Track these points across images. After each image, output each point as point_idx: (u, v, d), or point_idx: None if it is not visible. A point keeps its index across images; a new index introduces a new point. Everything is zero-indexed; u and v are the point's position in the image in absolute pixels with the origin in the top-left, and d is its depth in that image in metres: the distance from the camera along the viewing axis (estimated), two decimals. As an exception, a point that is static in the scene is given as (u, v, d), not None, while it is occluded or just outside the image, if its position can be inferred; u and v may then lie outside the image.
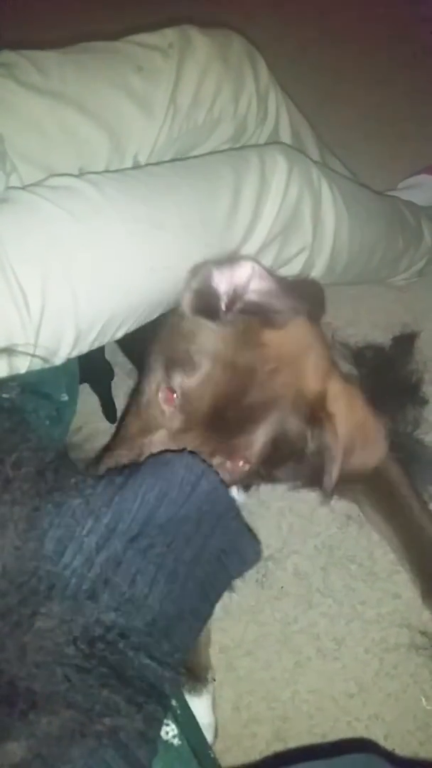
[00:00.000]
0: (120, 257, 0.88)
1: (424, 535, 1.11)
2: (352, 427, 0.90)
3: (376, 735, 0.99)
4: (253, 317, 0.87)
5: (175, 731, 0.65)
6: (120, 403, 1.39)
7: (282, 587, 1.14)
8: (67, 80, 1.03)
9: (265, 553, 1.18)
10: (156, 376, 0.88)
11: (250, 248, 1.02)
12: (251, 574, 1.14)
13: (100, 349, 1.24)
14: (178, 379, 0.84)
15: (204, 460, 0.67)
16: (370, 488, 1.18)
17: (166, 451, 0.66)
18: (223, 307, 0.87)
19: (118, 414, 1.37)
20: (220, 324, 0.86)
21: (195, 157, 1.06)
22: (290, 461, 0.93)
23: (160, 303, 0.97)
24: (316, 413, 0.88)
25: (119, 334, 0.95)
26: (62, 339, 0.86)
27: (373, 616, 1.10)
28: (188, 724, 0.83)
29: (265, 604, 1.12)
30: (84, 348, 0.91)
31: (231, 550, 0.67)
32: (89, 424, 1.33)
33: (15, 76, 0.99)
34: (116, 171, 0.96)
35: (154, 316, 0.98)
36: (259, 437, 0.86)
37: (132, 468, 0.63)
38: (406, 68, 2.22)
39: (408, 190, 1.69)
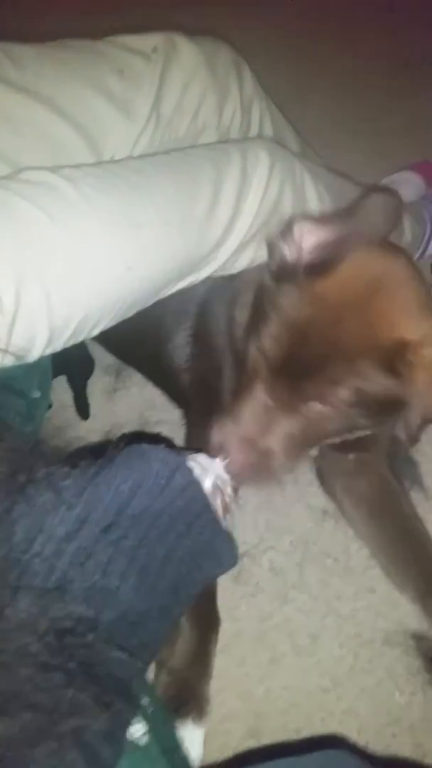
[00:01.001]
0: (95, 257, 0.87)
1: (421, 541, 1.12)
2: None
3: (349, 729, 0.99)
4: (310, 274, 0.90)
5: (144, 730, 0.64)
6: (95, 399, 1.38)
7: (257, 583, 1.14)
8: (43, 77, 1.00)
9: (242, 549, 1.17)
10: (251, 343, 0.94)
11: (229, 244, 1.01)
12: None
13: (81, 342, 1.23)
14: (261, 340, 0.91)
15: (180, 455, 0.66)
16: (352, 484, 1.18)
17: (142, 443, 0.64)
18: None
19: (91, 411, 1.36)
20: (289, 286, 0.91)
21: (176, 150, 1.04)
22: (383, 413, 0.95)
23: (138, 301, 0.96)
24: (392, 363, 0.87)
25: (95, 332, 0.93)
26: (35, 338, 0.85)
27: (348, 611, 1.10)
28: (159, 721, 0.82)
29: (240, 600, 1.12)
30: (58, 346, 0.89)
31: (207, 552, 0.66)
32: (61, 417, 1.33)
33: None
34: (94, 165, 0.94)
35: (132, 313, 0.97)
36: (332, 381, 0.87)
37: (106, 458, 0.62)
38: (393, 65, 2.23)
39: (392, 186, 1.70)
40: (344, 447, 1.14)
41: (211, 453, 0.88)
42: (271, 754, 0.90)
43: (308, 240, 0.92)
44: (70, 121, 1.00)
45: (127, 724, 0.61)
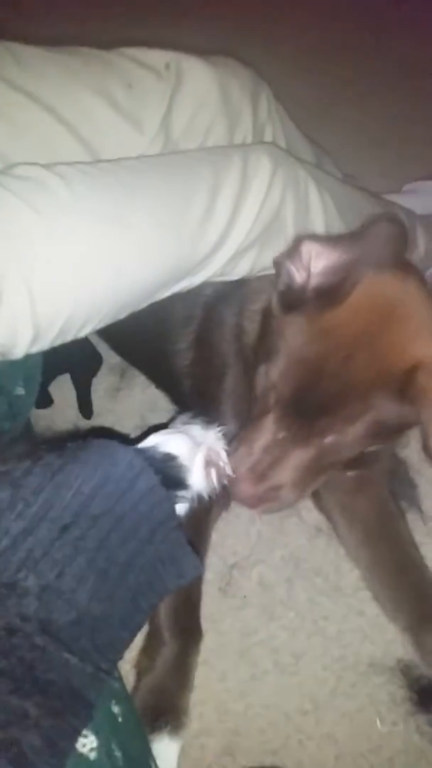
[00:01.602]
0: (83, 258, 0.85)
1: (417, 561, 1.10)
2: None
3: (327, 755, 0.96)
4: (320, 300, 0.89)
5: (94, 744, 0.62)
6: (98, 399, 1.37)
7: (245, 597, 1.12)
8: (47, 80, 0.98)
9: (231, 560, 1.15)
10: (261, 370, 0.95)
11: (226, 250, 0.99)
12: (214, 581, 1.12)
13: (85, 338, 1.22)
14: (269, 372, 0.92)
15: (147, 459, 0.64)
16: (348, 503, 1.15)
17: (109, 440, 0.63)
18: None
19: (95, 411, 1.35)
20: (297, 316, 0.91)
21: (175, 152, 1.02)
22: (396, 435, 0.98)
23: (129, 303, 0.94)
24: (405, 390, 0.86)
25: (84, 333, 0.91)
26: (19, 337, 0.83)
27: (334, 633, 1.07)
28: (129, 732, 0.80)
29: (226, 613, 1.10)
30: (45, 345, 0.87)
31: (169, 561, 0.65)
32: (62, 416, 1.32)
33: None
34: (88, 163, 0.92)
35: (122, 315, 0.95)
36: (347, 418, 0.88)
37: (70, 455, 0.61)
38: (417, 73, 2.21)
39: (409, 195, 1.67)
40: (344, 463, 1.12)
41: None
42: None
43: (317, 262, 0.90)
44: (69, 127, 0.98)
45: (75, 734, 0.59)
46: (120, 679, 0.94)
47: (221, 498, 1.12)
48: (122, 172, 0.91)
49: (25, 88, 0.96)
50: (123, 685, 0.94)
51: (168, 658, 0.98)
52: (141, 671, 0.99)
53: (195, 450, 0.81)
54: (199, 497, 0.82)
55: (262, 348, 0.98)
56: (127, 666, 1.01)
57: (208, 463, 0.82)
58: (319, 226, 1.09)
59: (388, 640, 1.06)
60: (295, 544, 1.17)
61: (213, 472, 0.83)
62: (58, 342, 0.88)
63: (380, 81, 2.21)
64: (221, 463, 0.84)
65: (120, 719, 0.82)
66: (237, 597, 1.12)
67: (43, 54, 1.02)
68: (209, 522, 1.12)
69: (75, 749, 0.59)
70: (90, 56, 1.06)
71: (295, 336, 0.91)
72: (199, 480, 0.81)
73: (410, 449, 1.26)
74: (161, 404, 1.36)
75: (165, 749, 0.92)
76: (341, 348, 0.87)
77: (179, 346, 1.19)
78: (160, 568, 0.63)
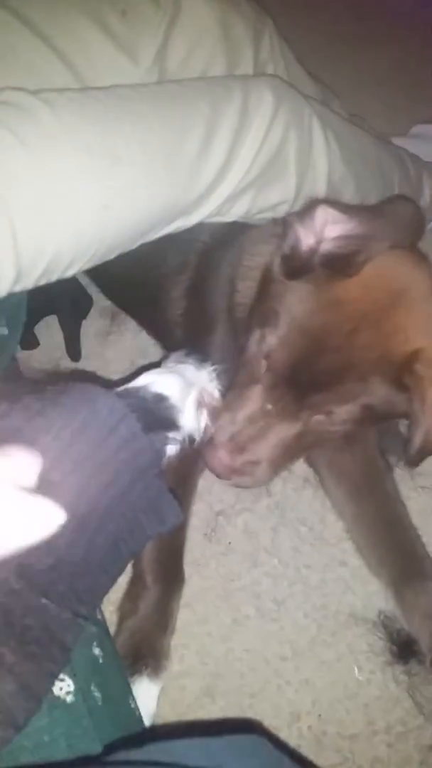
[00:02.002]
0: (68, 192, 0.81)
1: (403, 519, 1.09)
2: None
3: (304, 700, 0.98)
4: (329, 269, 0.85)
5: (71, 687, 0.62)
6: (87, 342, 1.34)
7: (230, 543, 1.12)
8: (36, 4, 0.93)
9: (217, 507, 1.15)
10: (254, 335, 0.90)
11: (222, 190, 0.94)
12: (200, 528, 1.12)
13: (75, 279, 1.19)
14: (266, 339, 0.87)
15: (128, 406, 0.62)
16: (336, 459, 1.15)
17: (90, 385, 0.61)
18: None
19: (84, 354, 1.33)
20: (302, 283, 0.87)
21: (172, 81, 0.97)
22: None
23: (118, 243, 0.90)
24: (402, 376, 0.83)
25: (69, 273, 0.88)
26: (1, 274, 0.80)
27: (316, 581, 1.08)
28: (109, 674, 0.81)
29: (210, 559, 1.10)
30: (28, 284, 0.84)
31: (150, 509, 0.63)
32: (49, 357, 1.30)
33: None
34: (78, 90, 0.87)
35: (112, 256, 0.92)
36: (341, 397, 0.85)
37: (49, 398, 0.59)
38: (424, 12, 2.13)
39: (416, 139, 1.62)
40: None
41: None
42: (185, 732, 0.89)
43: (331, 229, 0.85)
44: (60, 54, 0.93)
45: (51, 678, 0.59)
46: (102, 622, 0.95)
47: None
48: (113, 101, 0.86)
49: (13, 9, 0.91)
50: (105, 628, 0.95)
51: (150, 602, 0.98)
52: (123, 615, 0.99)
53: (187, 390, 0.80)
54: (190, 439, 0.80)
55: (258, 311, 0.93)
56: (111, 608, 1.02)
57: (200, 404, 0.81)
58: (321, 169, 1.04)
59: (370, 591, 1.06)
60: (281, 494, 1.17)
61: (204, 413, 0.81)
62: (43, 282, 0.84)
63: (386, 23, 2.13)
64: (214, 404, 0.82)
65: (100, 661, 0.82)
66: (222, 543, 1.12)
67: None
68: (196, 470, 1.11)
69: (51, 692, 0.59)
70: None
71: (298, 303, 0.86)
72: (190, 421, 0.79)
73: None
74: (152, 350, 1.34)
75: (145, 691, 0.93)
76: (347, 322, 0.83)
77: (172, 294, 1.15)
78: (141, 516, 0.62)
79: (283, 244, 0.90)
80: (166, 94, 0.92)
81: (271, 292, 0.91)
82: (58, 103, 0.81)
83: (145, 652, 0.95)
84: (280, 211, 1.05)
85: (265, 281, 0.95)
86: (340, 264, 0.84)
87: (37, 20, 0.92)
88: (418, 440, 0.85)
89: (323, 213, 0.85)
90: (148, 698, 0.94)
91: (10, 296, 0.82)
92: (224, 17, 1.06)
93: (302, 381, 0.86)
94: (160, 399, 0.77)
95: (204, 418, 0.80)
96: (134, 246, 0.93)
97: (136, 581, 1.01)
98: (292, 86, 1.06)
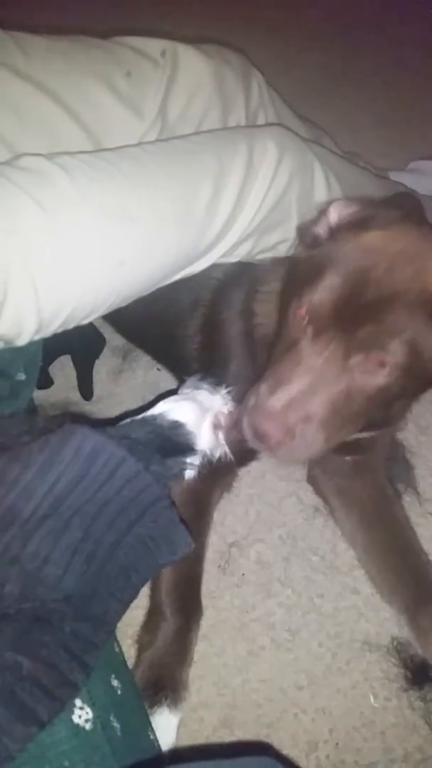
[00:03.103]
0: (86, 251, 0.86)
1: (413, 546, 1.10)
2: None
3: (321, 729, 0.98)
4: (351, 229, 0.91)
5: (90, 715, 0.64)
6: (100, 380, 1.38)
7: (243, 574, 1.14)
8: (51, 68, 0.99)
9: (230, 539, 1.17)
10: (293, 307, 0.91)
11: (229, 239, 1.00)
12: (214, 559, 1.14)
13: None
14: (306, 299, 0.88)
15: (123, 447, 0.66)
16: (346, 487, 1.16)
17: (89, 433, 0.64)
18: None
19: (97, 393, 1.36)
20: (329, 242, 0.93)
21: (179, 138, 1.02)
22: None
23: (132, 293, 0.95)
24: None
25: (87, 321, 0.93)
26: (23, 328, 0.84)
27: (330, 610, 1.09)
28: (124, 704, 0.83)
29: (225, 590, 1.12)
30: (48, 333, 0.89)
31: (160, 538, 0.66)
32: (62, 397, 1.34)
33: None
34: (91, 153, 0.93)
35: (126, 303, 0.96)
36: (388, 330, 0.84)
37: (50, 447, 0.62)
38: (418, 51, 2.18)
39: (414, 174, 1.67)
40: (342, 449, 1.12)
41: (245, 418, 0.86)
42: (195, 756, 0.90)
43: (344, 210, 0.94)
44: (73, 115, 0.99)
45: (72, 688, 0.60)
46: (120, 654, 0.97)
47: (225, 476, 1.14)
48: (125, 162, 0.91)
49: (30, 77, 0.97)
50: (123, 660, 0.97)
51: (168, 634, 1.00)
52: (142, 646, 1.01)
53: (202, 415, 0.83)
54: (208, 461, 0.83)
55: (289, 293, 0.94)
56: (129, 641, 1.04)
57: (216, 427, 0.83)
58: None
59: (383, 618, 1.07)
60: (292, 524, 1.19)
61: (221, 435, 0.83)
62: (61, 330, 0.89)
63: (382, 61, 2.19)
64: (229, 426, 0.85)
65: (119, 692, 0.84)
66: (235, 575, 1.14)
67: (46, 43, 1.03)
68: (211, 502, 1.14)
69: (71, 720, 0.62)
70: (90, 44, 1.08)
71: (331, 254, 0.90)
72: (207, 445, 0.82)
73: (407, 431, 1.28)
74: (163, 386, 1.37)
75: (165, 722, 0.94)
76: (382, 261, 0.86)
77: (188, 331, 1.19)
78: (151, 545, 0.65)
79: (301, 246, 0.97)
80: (174, 152, 0.97)
81: (301, 273, 0.93)
82: (73, 167, 0.86)
83: (165, 683, 0.97)
84: (281, 251, 1.09)
85: (291, 275, 0.99)
86: (359, 225, 0.90)
87: (53, 86, 0.98)
88: None
89: (335, 206, 0.93)
90: (168, 729, 0.95)
91: (29, 344, 0.87)
92: (216, 70, 1.13)
93: (347, 318, 0.85)
94: (177, 426, 0.81)
95: (221, 441, 0.83)
96: (147, 293, 0.98)
97: (154, 613, 1.02)
98: (294, 133, 1.12)
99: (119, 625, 1.03)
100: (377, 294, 0.85)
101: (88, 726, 0.63)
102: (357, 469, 1.15)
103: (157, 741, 0.91)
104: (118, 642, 1.00)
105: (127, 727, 0.79)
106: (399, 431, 1.25)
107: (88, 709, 0.65)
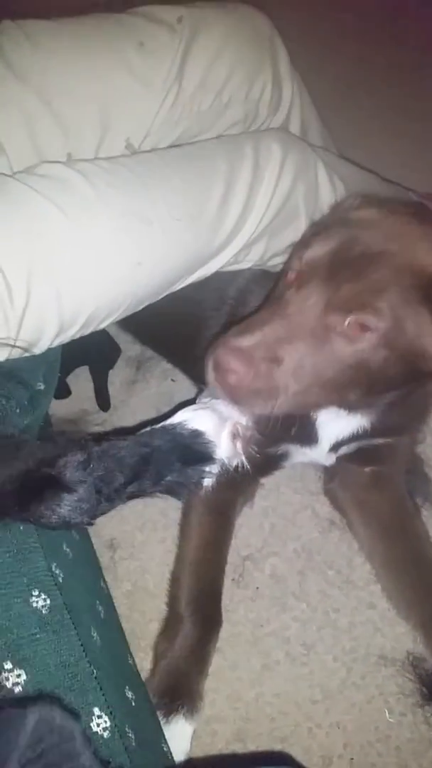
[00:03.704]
0: (106, 253, 0.88)
1: (430, 568, 1.09)
2: None
3: (336, 743, 0.98)
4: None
5: (107, 723, 0.64)
6: (114, 391, 1.39)
7: (257, 588, 1.14)
8: (59, 56, 1.01)
9: (245, 552, 1.17)
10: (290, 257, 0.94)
11: (240, 239, 1.01)
12: (228, 572, 1.13)
13: (104, 330, 1.24)
14: (296, 260, 0.89)
15: None
16: (365, 499, 1.16)
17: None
18: None
19: (112, 403, 1.37)
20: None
21: (189, 144, 1.04)
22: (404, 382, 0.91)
23: (148, 296, 0.96)
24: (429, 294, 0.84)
25: (104, 325, 0.94)
26: (44, 331, 0.86)
27: (345, 625, 1.09)
28: (138, 715, 0.83)
29: (239, 604, 1.12)
30: (65, 339, 0.90)
31: None
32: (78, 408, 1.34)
33: (4, 53, 0.98)
34: (107, 159, 0.95)
35: (141, 307, 0.98)
36: (372, 287, 0.83)
37: None
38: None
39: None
40: (362, 459, 1.12)
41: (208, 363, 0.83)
42: (217, 764, 0.89)
43: None
44: (82, 100, 1.01)
45: None
46: (134, 665, 0.97)
47: (247, 486, 1.14)
48: (139, 167, 0.94)
49: (30, 80, 0.99)
50: (137, 672, 0.97)
51: (187, 644, 1.00)
52: (159, 654, 1.01)
53: (221, 424, 0.83)
54: (227, 469, 0.83)
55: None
56: (141, 654, 1.04)
57: (234, 436, 0.83)
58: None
59: (399, 633, 1.07)
60: (307, 537, 1.19)
61: (239, 444, 0.83)
62: (78, 335, 0.91)
63: (396, 70, 2.20)
64: (248, 435, 0.84)
65: (133, 703, 0.84)
66: (250, 588, 1.14)
67: (56, 28, 1.04)
68: (233, 512, 1.14)
69: (90, 728, 0.62)
70: (100, 19, 1.08)
71: (329, 222, 0.93)
72: (226, 454, 0.82)
73: (426, 445, 1.27)
74: (177, 397, 1.38)
75: (180, 731, 0.94)
76: (377, 230, 0.88)
77: (212, 331, 1.18)
78: None
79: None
80: (186, 157, 0.99)
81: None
82: (92, 173, 0.89)
83: (182, 692, 0.97)
84: None
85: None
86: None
87: (61, 74, 1.00)
88: None
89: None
90: (183, 738, 0.94)
91: (48, 353, 0.88)
92: (238, 29, 1.13)
93: (332, 273, 0.84)
94: (197, 435, 0.81)
95: (239, 450, 0.84)
96: (159, 298, 0.99)
97: (173, 621, 1.03)
98: (297, 136, 1.13)
99: (132, 637, 1.05)
100: (365, 255, 0.85)
101: (106, 734, 0.64)
102: (376, 481, 1.15)
103: (170, 752, 0.91)
104: (131, 654, 1.00)
105: (142, 738, 0.79)
106: (418, 444, 1.25)
107: (106, 718, 0.65)
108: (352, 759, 0.97)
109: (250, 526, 1.20)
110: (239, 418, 0.85)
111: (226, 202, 0.97)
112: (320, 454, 1.10)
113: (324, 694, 1.03)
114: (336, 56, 2.22)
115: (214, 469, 0.81)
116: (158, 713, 0.93)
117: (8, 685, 0.64)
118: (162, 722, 0.93)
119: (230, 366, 0.80)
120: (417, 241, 0.87)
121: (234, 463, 0.83)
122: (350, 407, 0.99)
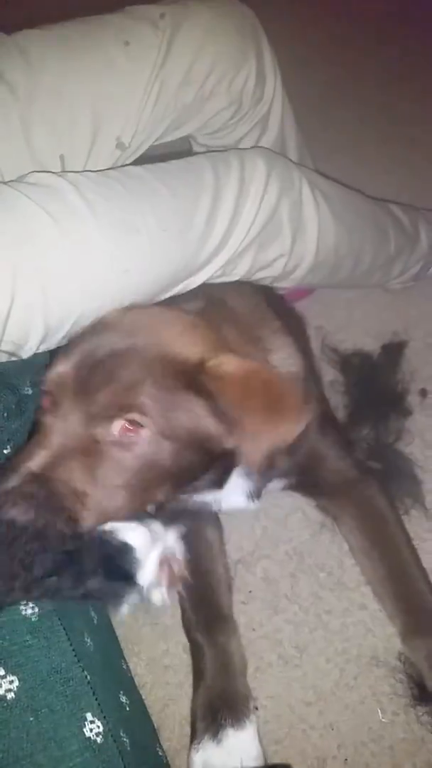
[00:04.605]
0: (93, 260, 0.89)
1: (408, 571, 1.07)
2: (248, 392, 0.82)
3: (330, 744, 0.99)
4: None
5: (100, 728, 0.65)
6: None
7: (250, 591, 1.14)
8: (47, 62, 1.04)
9: (236, 556, 1.18)
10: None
11: (226, 252, 1.02)
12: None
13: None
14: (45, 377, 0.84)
15: None
16: (347, 503, 1.15)
17: None
18: None
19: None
20: None
21: (178, 160, 1.05)
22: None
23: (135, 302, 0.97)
24: (195, 379, 0.81)
25: None
26: (30, 335, 0.87)
27: (337, 626, 1.09)
28: (132, 720, 0.83)
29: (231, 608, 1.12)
30: (53, 344, 0.91)
31: None
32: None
33: None
34: (97, 172, 0.97)
35: None
36: (126, 384, 0.79)
37: None
38: (421, 66, 2.21)
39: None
40: (299, 488, 1.15)
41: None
42: None
43: None
44: (73, 106, 1.04)
45: None
46: (128, 671, 0.98)
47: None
48: (127, 179, 0.95)
49: (27, 85, 1.02)
50: (131, 677, 0.97)
51: (209, 660, 1.00)
52: (197, 684, 1.01)
53: (152, 545, 0.80)
54: (146, 599, 0.80)
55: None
56: (135, 659, 1.04)
57: (162, 562, 0.81)
58: (312, 225, 1.12)
59: (390, 633, 1.07)
60: (298, 540, 1.20)
61: (166, 572, 0.81)
62: (65, 341, 0.91)
63: (384, 77, 2.22)
64: (177, 562, 0.82)
65: (127, 708, 0.85)
66: (242, 591, 1.14)
67: (44, 36, 1.07)
68: (215, 538, 1.14)
69: (83, 734, 0.62)
70: (89, 23, 1.11)
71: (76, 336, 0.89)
72: (148, 580, 0.79)
73: (414, 446, 1.28)
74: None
75: (234, 743, 0.94)
76: (119, 327, 0.86)
77: None
78: None
79: None
80: (173, 170, 1.01)
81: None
82: (80, 182, 0.90)
83: (220, 705, 0.96)
84: (278, 267, 1.11)
85: None
86: None
87: (53, 80, 1.03)
88: (254, 450, 0.84)
89: None
90: (243, 748, 0.94)
91: (36, 357, 0.89)
92: (222, 21, 1.15)
93: (85, 378, 0.80)
94: (125, 549, 0.78)
95: (162, 582, 0.81)
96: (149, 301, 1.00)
97: (192, 646, 1.04)
98: (280, 154, 1.15)
99: (126, 643, 1.05)
100: (111, 355, 0.82)
101: (99, 739, 0.64)
102: (347, 502, 1.14)
103: (166, 758, 0.91)
104: (125, 660, 1.01)
105: (136, 742, 0.79)
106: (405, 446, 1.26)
107: (99, 723, 0.66)
108: (346, 760, 0.97)
109: (241, 530, 1.20)
110: (171, 543, 0.83)
111: (214, 215, 0.99)
112: (241, 502, 1.05)
113: (317, 696, 1.03)
114: (324, 62, 2.24)
115: (131, 598, 0.78)
116: (208, 740, 0.93)
117: (1, 691, 0.65)
118: (215, 746, 0.93)
119: (8, 516, 0.74)
120: (162, 330, 0.86)
121: (154, 597, 0.81)
122: (170, 502, 0.91)
